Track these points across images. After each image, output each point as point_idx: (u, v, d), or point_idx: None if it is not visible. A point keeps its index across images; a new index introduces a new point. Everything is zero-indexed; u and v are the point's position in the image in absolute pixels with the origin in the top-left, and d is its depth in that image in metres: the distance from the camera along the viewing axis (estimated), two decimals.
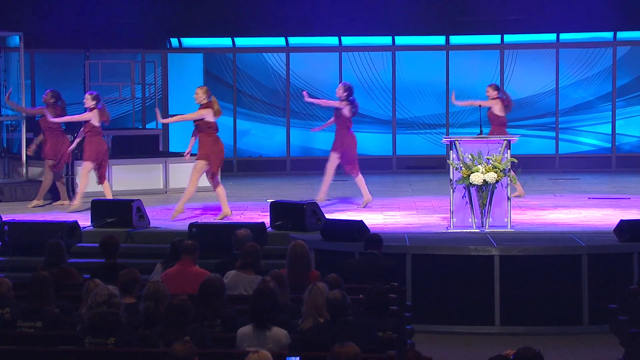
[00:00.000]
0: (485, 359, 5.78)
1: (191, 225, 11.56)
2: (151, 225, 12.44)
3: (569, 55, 19.15)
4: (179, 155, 16.65)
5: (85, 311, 7.15)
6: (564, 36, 19.14)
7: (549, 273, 10.38)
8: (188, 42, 19.64)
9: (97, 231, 11.98)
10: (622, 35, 19.02)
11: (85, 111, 13.94)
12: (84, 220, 12.32)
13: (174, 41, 19.58)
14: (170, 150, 18.29)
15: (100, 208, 12.45)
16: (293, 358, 6.66)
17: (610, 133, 19.01)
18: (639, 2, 18.53)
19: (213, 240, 10.94)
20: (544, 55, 19.24)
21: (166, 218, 13.14)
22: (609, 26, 18.81)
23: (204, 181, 13.39)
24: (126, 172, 16.02)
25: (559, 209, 13.50)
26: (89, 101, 13.81)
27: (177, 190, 15.96)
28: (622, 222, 10.75)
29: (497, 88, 14.10)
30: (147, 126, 18.91)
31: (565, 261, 10.40)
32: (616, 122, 19.08)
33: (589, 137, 19.29)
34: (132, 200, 12.45)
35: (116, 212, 12.33)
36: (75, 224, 11.73)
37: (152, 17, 18.96)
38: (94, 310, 6.80)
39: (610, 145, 19.05)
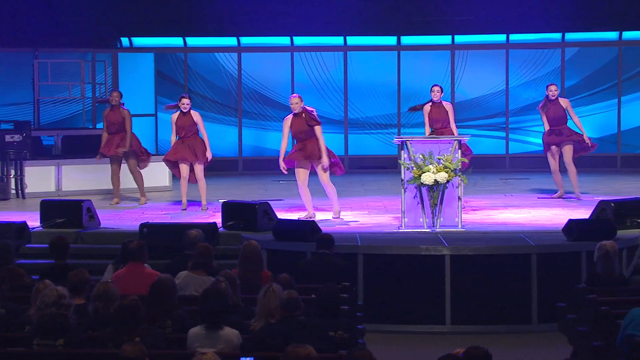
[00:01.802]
0: (435, 358, 5.81)
1: (142, 225, 11.49)
2: (101, 226, 12.34)
3: (518, 56, 19.33)
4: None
5: (34, 312, 7.08)
6: (514, 37, 19.32)
7: (499, 272, 10.47)
8: (139, 41, 19.52)
9: (46, 232, 11.86)
10: (570, 36, 19.24)
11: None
12: (33, 221, 12.19)
13: (125, 40, 19.45)
14: None
15: (49, 208, 12.33)
16: (247, 359, 6.66)
17: None
18: (586, 4, 18.76)
19: (164, 241, 10.87)
20: (494, 56, 19.40)
21: (116, 218, 13.05)
22: (558, 27, 19.02)
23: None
24: (76, 172, 15.88)
25: (509, 209, 13.62)
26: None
27: (127, 190, 15.84)
28: (571, 222, 10.88)
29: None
30: (98, 126, 18.74)
31: (515, 260, 10.50)
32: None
33: (538, 137, 19.42)
34: (82, 201, 12.35)
35: (66, 212, 12.22)
36: (24, 224, 11.61)
37: (102, 16, 18.81)
38: (42, 311, 6.74)
39: None
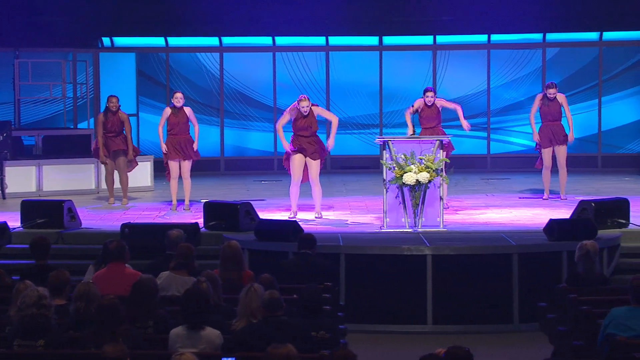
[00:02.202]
0: (417, 358, 5.82)
1: (123, 225, 11.46)
2: (82, 226, 12.30)
3: (500, 56, 19.39)
4: None
5: (14, 313, 7.04)
6: (495, 37, 19.38)
7: (481, 272, 10.50)
8: (120, 41, 19.47)
9: (27, 232, 11.81)
10: (551, 36, 19.32)
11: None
12: (14, 221, 12.14)
13: (106, 40, 19.39)
14: None
15: (30, 209, 12.27)
16: (229, 359, 6.65)
17: None
18: (567, 4, 18.84)
19: (146, 241, 10.85)
20: (475, 56, 19.45)
21: (97, 219, 13.02)
22: (539, 28, 19.10)
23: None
24: (57, 172, 15.82)
25: (491, 209, 13.66)
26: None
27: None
28: (552, 222, 10.92)
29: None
30: (79, 126, 18.69)
31: (497, 260, 10.53)
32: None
33: (519, 137, 19.54)
34: (63, 201, 12.30)
35: (47, 212, 12.17)
36: (4, 224, 11.54)
37: (84, 15, 18.75)
38: (23, 312, 6.71)
39: None
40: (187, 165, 13.62)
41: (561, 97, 14.26)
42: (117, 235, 11.01)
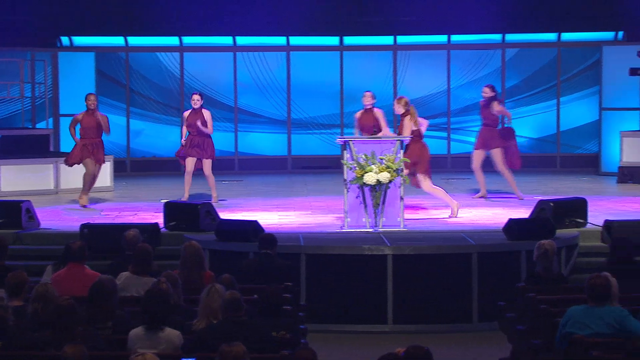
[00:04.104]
0: (376, 358, 5.84)
1: (82, 226, 11.39)
2: (41, 227, 12.20)
3: (459, 57, 19.49)
4: None
5: None
6: (455, 38, 19.48)
7: (441, 272, 10.56)
8: (79, 40, 19.32)
9: None
10: (510, 37, 19.45)
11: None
12: None
13: (65, 40, 19.24)
14: (61, 150, 17.95)
15: None
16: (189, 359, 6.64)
17: None
18: (526, 5, 18.98)
19: (105, 242, 10.79)
20: (435, 57, 19.54)
21: (56, 219, 12.92)
22: (498, 28, 19.22)
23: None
24: (15, 172, 15.68)
25: (451, 208, 13.70)
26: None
27: (68, 190, 15.70)
28: (511, 221, 11.00)
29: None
30: (37, 126, 18.52)
31: (456, 260, 10.59)
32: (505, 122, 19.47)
33: None
34: (22, 201, 12.20)
35: (5, 213, 12.06)
36: None
37: (42, 14, 18.59)
38: None
39: None
40: (207, 163, 14.19)
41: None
42: (76, 236, 10.94)
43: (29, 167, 15.77)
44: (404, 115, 12.67)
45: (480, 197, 14.61)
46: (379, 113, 13.44)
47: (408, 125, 12.58)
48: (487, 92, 14.35)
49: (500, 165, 14.32)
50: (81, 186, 14.43)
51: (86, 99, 14.23)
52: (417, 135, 12.62)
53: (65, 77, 18.78)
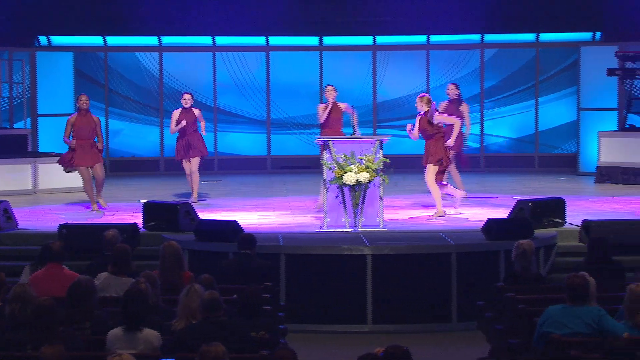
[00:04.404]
0: (356, 357, 5.84)
1: (61, 226, 11.34)
2: (19, 227, 12.14)
3: (439, 57, 19.54)
4: (49, 155, 16.35)
5: None
6: (434, 38, 19.53)
7: (420, 271, 10.57)
8: (58, 40, 19.25)
9: None
10: (489, 37, 19.52)
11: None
12: None
13: (43, 39, 19.16)
14: (39, 150, 17.87)
15: None
16: None
17: (479, 133, 19.46)
18: (505, 6, 19.05)
19: (84, 242, 10.76)
20: (415, 57, 19.58)
21: (34, 219, 12.86)
22: (477, 29, 19.29)
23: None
24: None
25: (430, 208, 13.73)
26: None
27: (46, 191, 15.63)
28: (490, 221, 11.04)
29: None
30: (15, 126, 18.43)
31: (436, 260, 10.61)
32: (484, 122, 19.56)
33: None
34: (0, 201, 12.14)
35: None
36: None
37: (20, 14, 18.50)
38: None
39: (479, 145, 19.51)
40: (195, 160, 14.24)
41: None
42: (54, 236, 10.90)
43: (6, 167, 15.69)
44: (427, 112, 12.72)
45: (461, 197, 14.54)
46: (345, 107, 13.49)
47: (447, 119, 12.87)
48: (453, 90, 14.41)
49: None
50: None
51: (78, 99, 13.82)
52: (440, 130, 12.72)
53: (44, 77, 18.70)
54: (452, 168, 14.08)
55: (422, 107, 12.72)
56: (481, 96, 19.47)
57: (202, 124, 14.33)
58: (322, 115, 13.52)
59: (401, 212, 13.38)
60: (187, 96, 14.40)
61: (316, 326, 10.42)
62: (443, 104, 14.32)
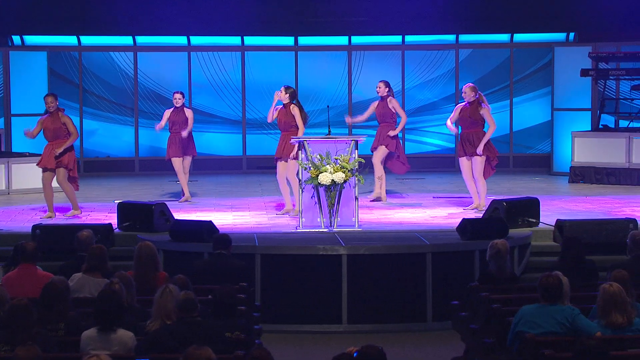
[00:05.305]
0: (331, 357, 5.85)
1: (34, 227, 11.28)
2: None
3: (414, 57, 19.59)
4: (22, 155, 16.26)
5: None
6: (409, 38, 19.57)
7: (395, 271, 10.59)
8: (31, 39, 19.14)
9: None
10: (464, 38, 19.59)
11: None
12: None
13: (16, 38, 19.04)
14: (13, 150, 17.76)
15: None
16: None
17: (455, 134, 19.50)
18: (479, 7, 19.12)
19: (58, 242, 10.71)
20: (390, 57, 19.62)
21: (7, 220, 12.77)
22: (452, 29, 19.35)
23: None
24: None
25: (405, 208, 13.78)
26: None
27: (19, 191, 15.54)
28: (465, 221, 11.08)
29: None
30: None
31: (411, 259, 10.63)
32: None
33: (433, 138, 19.77)
34: None
35: None
36: None
37: None
38: None
39: (453, 145, 19.56)
40: (187, 160, 14.35)
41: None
42: (27, 237, 10.84)
43: None
44: (472, 103, 13.09)
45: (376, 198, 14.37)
46: (295, 110, 13.09)
47: (490, 115, 13.23)
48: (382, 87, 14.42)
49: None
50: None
51: (44, 101, 12.93)
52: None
53: (17, 77, 18.58)
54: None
55: (471, 96, 13.10)
56: (456, 96, 19.52)
57: (189, 127, 14.16)
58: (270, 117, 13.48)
59: (376, 212, 13.37)
60: (177, 95, 14.34)
61: (291, 326, 10.43)
62: (375, 103, 14.39)
